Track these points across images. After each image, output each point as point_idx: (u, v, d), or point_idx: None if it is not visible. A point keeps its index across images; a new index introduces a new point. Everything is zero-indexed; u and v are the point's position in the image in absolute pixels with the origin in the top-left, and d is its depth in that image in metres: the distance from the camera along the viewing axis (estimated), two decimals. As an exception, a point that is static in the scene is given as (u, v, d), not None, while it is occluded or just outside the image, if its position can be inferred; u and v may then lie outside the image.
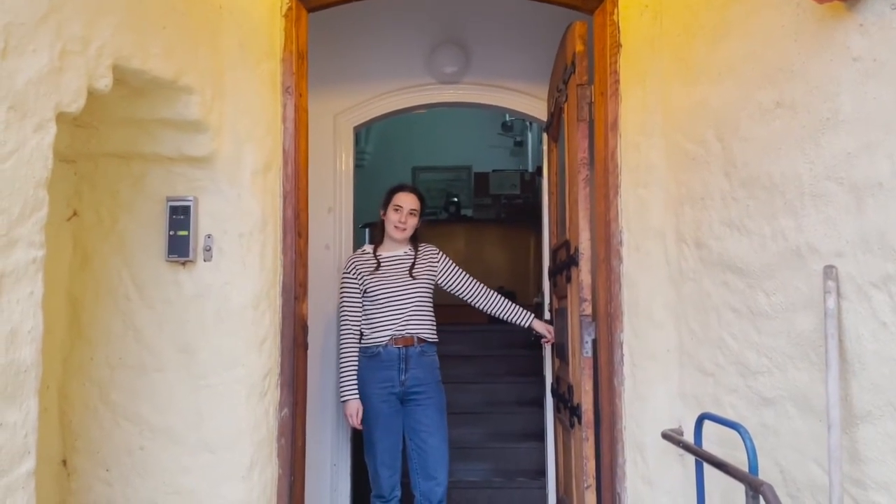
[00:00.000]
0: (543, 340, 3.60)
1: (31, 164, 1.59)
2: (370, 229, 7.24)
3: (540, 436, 4.73)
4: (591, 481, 2.74)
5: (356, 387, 3.24)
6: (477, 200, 9.03)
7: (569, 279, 3.12)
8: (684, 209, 2.48)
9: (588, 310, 2.81)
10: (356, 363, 3.26)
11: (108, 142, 2.49)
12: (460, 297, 3.53)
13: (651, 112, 2.64)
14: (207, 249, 2.52)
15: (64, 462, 2.52)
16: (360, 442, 4.83)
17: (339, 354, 3.33)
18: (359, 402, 3.23)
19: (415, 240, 3.46)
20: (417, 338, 3.30)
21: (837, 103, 1.79)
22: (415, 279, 3.35)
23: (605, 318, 2.75)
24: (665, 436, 2.42)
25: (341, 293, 3.40)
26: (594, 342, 2.83)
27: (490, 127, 9.72)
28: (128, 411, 2.50)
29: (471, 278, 3.51)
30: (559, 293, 3.53)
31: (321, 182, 4.05)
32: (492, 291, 3.54)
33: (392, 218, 3.37)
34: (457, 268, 3.51)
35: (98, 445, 2.51)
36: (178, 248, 2.49)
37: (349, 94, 4.18)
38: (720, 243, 2.27)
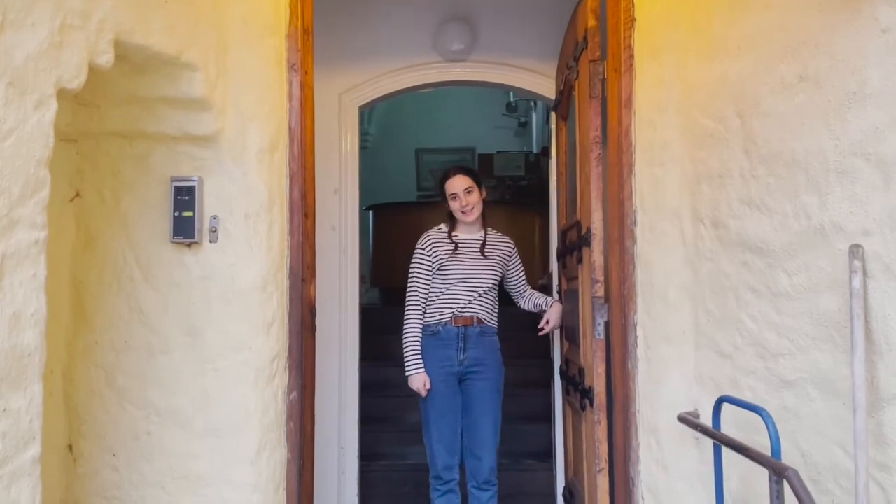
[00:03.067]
0: (540, 326, 3.55)
1: (32, 143, 1.54)
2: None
3: (547, 417, 4.69)
4: (604, 465, 2.71)
5: (421, 361, 3.25)
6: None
7: (580, 260, 3.06)
8: (701, 188, 2.42)
9: (600, 291, 2.76)
10: (420, 338, 3.27)
11: (110, 120, 2.43)
12: (509, 290, 3.59)
13: (666, 88, 2.57)
14: (213, 230, 2.47)
15: (70, 447, 2.49)
16: (367, 426, 4.83)
17: (404, 329, 3.30)
18: (425, 374, 3.23)
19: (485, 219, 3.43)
20: (477, 318, 3.29)
21: (864, 76, 1.73)
22: (487, 262, 3.35)
23: (619, 299, 2.70)
24: (681, 419, 2.38)
25: (413, 269, 3.36)
26: (607, 324, 2.79)
27: (494, 108, 9.63)
28: (134, 395, 2.46)
29: (524, 282, 3.58)
30: (568, 274, 3.48)
31: (326, 163, 3.99)
32: (535, 292, 3.60)
33: (454, 207, 3.35)
34: (522, 269, 3.56)
35: (104, 430, 2.47)
36: (183, 229, 2.44)
37: (354, 72, 4.11)
38: (739, 222, 2.21)
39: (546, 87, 4.05)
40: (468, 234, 3.39)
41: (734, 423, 2.17)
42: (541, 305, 3.56)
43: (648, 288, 2.57)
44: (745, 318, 2.19)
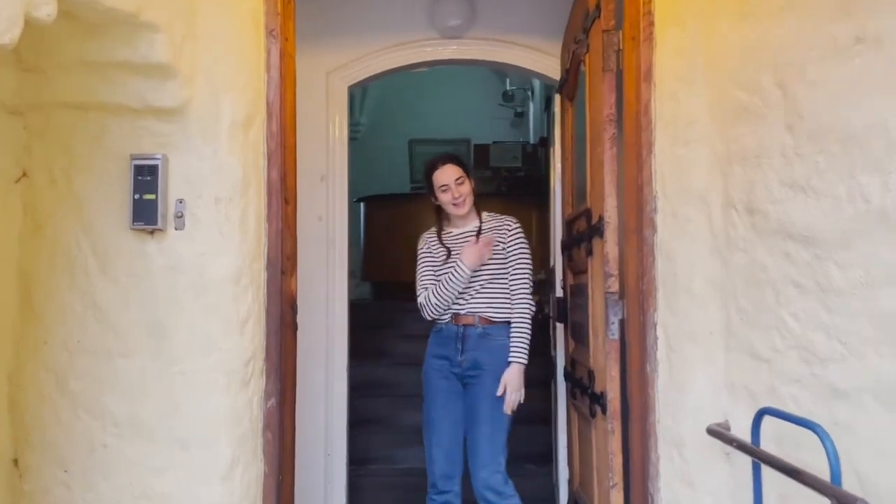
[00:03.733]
0: (498, 393, 2.91)
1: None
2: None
3: (546, 419, 4.42)
4: (618, 479, 2.43)
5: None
6: (477, 174, 8.61)
7: (590, 252, 2.78)
8: (733, 169, 2.14)
9: (615, 286, 2.48)
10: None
11: (61, 90, 2.13)
12: None
13: (691, 57, 2.28)
14: (179, 216, 2.17)
15: (15, 461, 2.19)
16: (357, 429, 4.57)
17: (426, 296, 3.02)
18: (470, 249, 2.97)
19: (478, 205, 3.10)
20: (479, 317, 2.97)
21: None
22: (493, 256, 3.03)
23: (636, 295, 2.42)
24: (712, 432, 2.10)
25: (420, 271, 3.08)
26: (622, 323, 2.51)
27: (490, 98, 9.45)
28: (89, 402, 2.17)
29: (519, 279, 3.00)
30: (576, 268, 3.20)
31: (313, 147, 3.70)
32: (520, 307, 2.98)
33: (445, 200, 3.02)
34: (519, 256, 3.00)
35: (55, 442, 2.17)
36: (145, 214, 2.14)
37: (343, 49, 3.80)
38: (780, 207, 1.93)
39: (550, 66, 3.76)
40: (462, 227, 3.09)
41: (772, 437, 1.90)
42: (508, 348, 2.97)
43: (671, 282, 2.29)
44: (786, 316, 1.91)
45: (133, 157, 2.15)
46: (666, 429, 2.29)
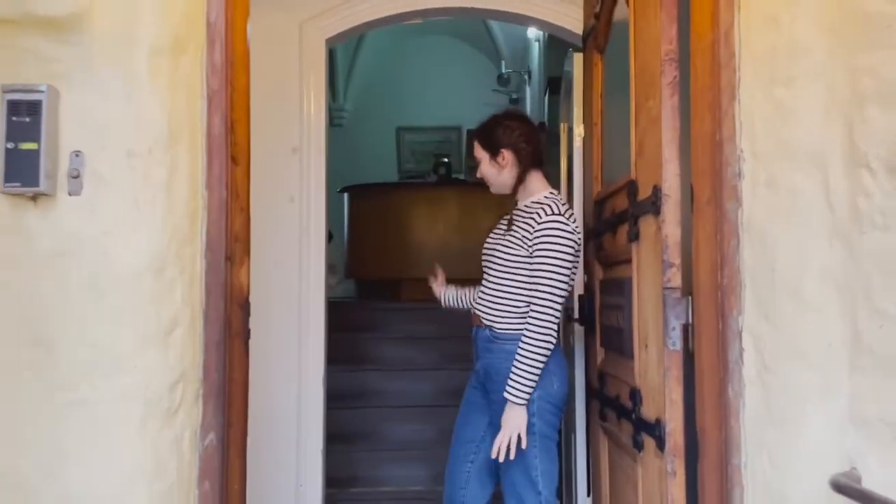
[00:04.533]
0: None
1: None
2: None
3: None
4: (684, 541, 1.80)
5: None
6: (470, 162, 8.07)
7: (635, 236, 2.14)
8: (867, 113, 1.50)
9: (676, 280, 1.85)
10: None
11: None
12: None
13: (797, -38, 1.65)
14: (74, 176, 1.51)
15: None
16: (336, 445, 3.96)
17: None
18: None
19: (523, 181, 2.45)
20: (482, 318, 2.42)
21: None
22: (503, 239, 2.40)
23: (711, 292, 1.79)
24: (838, 486, 1.47)
25: None
26: (686, 329, 1.88)
27: (483, 83, 8.94)
28: (-57, 444, 1.51)
29: (537, 291, 2.29)
30: (608, 258, 2.57)
31: (284, 113, 3.07)
32: (527, 326, 2.30)
33: None
34: (541, 262, 2.28)
35: None
36: (23, 171, 1.48)
37: (320, -6, 3.15)
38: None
39: (568, 16, 3.12)
40: (517, 206, 2.48)
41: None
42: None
43: (765, 275, 1.66)
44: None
45: (4, 90, 1.48)
46: (759, 476, 1.65)
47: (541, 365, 2.27)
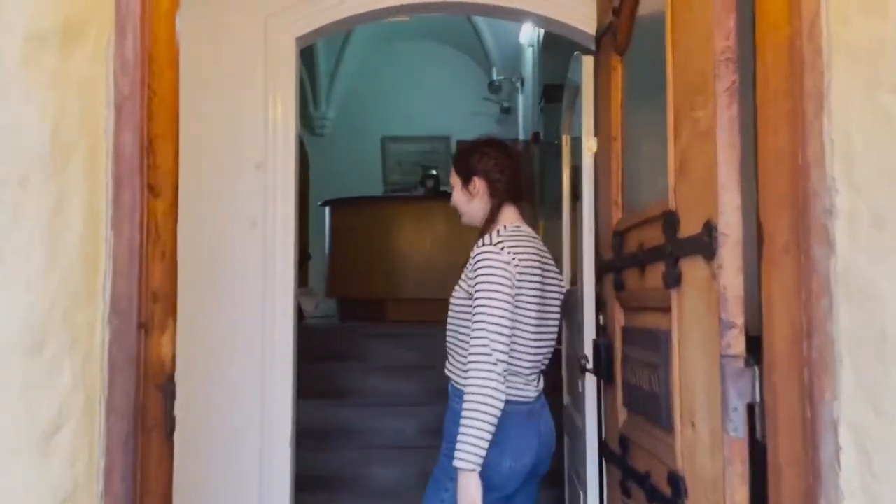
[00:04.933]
0: None
1: None
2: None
3: (555, 479, 3.34)
4: None
5: None
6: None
7: (675, 282, 1.70)
8: None
9: (739, 345, 1.42)
10: None
11: None
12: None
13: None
14: None
15: None
16: (309, 492, 3.54)
17: None
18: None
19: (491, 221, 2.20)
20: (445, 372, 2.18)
21: None
22: (457, 286, 2.13)
23: (794, 366, 1.35)
24: None
25: None
26: (752, 408, 1.44)
27: (472, 91, 8.68)
28: None
29: (474, 339, 1.96)
30: (632, 301, 2.14)
31: (244, 124, 2.61)
32: (468, 369, 1.96)
33: None
34: (476, 300, 1.98)
35: None
36: None
37: (289, -15, 2.70)
38: None
39: (577, 14, 2.69)
40: None
41: None
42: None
43: (872, 347, 1.23)
44: None
45: None
46: None
47: (486, 423, 1.90)
